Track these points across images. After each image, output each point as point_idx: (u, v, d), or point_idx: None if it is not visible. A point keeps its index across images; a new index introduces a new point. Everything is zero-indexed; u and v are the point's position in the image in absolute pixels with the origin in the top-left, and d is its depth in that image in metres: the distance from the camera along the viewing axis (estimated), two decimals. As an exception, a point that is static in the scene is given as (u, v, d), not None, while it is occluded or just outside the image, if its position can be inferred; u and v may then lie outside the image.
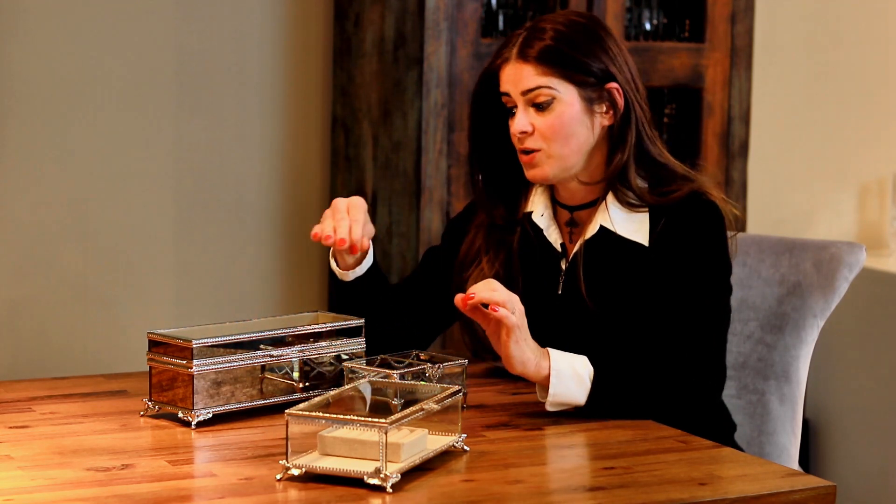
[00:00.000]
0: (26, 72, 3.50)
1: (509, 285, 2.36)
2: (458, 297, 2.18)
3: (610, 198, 2.41)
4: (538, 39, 2.39)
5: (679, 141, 3.80)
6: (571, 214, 2.46)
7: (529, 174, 2.41)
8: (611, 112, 2.42)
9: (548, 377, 2.20)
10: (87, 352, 3.58)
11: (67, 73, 3.54)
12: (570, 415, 2.25)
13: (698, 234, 2.37)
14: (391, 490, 1.85)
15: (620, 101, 2.41)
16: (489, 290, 2.17)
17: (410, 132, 3.44)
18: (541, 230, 2.46)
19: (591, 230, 2.41)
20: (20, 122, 3.50)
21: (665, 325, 2.32)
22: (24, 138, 3.51)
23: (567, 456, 2.05)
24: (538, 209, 2.48)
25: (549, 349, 2.22)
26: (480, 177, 2.50)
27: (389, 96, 3.52)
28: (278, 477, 1.90)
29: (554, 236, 2.46)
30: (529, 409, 2.29)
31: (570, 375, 2.21)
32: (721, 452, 2.08)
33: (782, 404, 2.64)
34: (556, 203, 2.49)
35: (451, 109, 3.40)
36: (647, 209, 2.39)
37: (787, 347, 2.65)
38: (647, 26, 3.74)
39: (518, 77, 2.38)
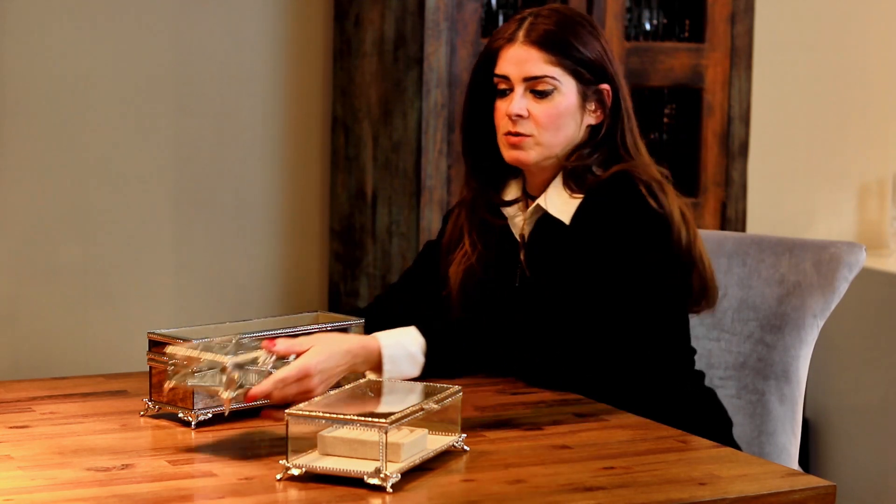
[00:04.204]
0: (26, 72, 3.49)
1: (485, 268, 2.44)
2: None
3: (558, 181, 2.42)
4: (545, 25, 2.39)
5: (679, 141, 3.80)
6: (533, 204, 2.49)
7: (511, 155, 2.42)
8: (598, 112, 2.43)
9: (380, 364, 2.17)
10: (87, 352, 3.58)
11: (67, 73, 3.54)
12: (570, 415, 2.25)
13: (608, 210, 2.35)
14: (391, 490, 1.85)
15: (609, 103, 2.43)
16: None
17: (410, 132, 3.44)
18: (506, 218, 2.49)
19: (531, 212, 2.44)
20: (20, 122, 3.50)
21: (557, 293, 2.30)
22: (24, 138, 3.51)
23: (567, 456, 2.05)
24: (510, 198, 2.50)
25: (377, 334, 2.17)
26: (473, 155, 2.50)
27: (389, 96, 3.52)
28: (278, 477, 1.90)
29: (519, 225, 2.48)
30: (529, 409, 2.29)
31: (402, 356, 2.17)
32: (721, 452, 2.08)
33: (782, 404, 2.64)
34: (526, 194, 2.50)
35: (451, 109, 3.41)
36: (583, 195, 2.40)
37: (787, 347, 2.65)
38: (647, 26, 3.74)
39: (523, 60, 2.39)
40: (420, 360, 2.18)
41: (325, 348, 2.09)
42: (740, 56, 3.76)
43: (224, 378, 2.00)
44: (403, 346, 2.17)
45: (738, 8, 3.74)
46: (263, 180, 3.74)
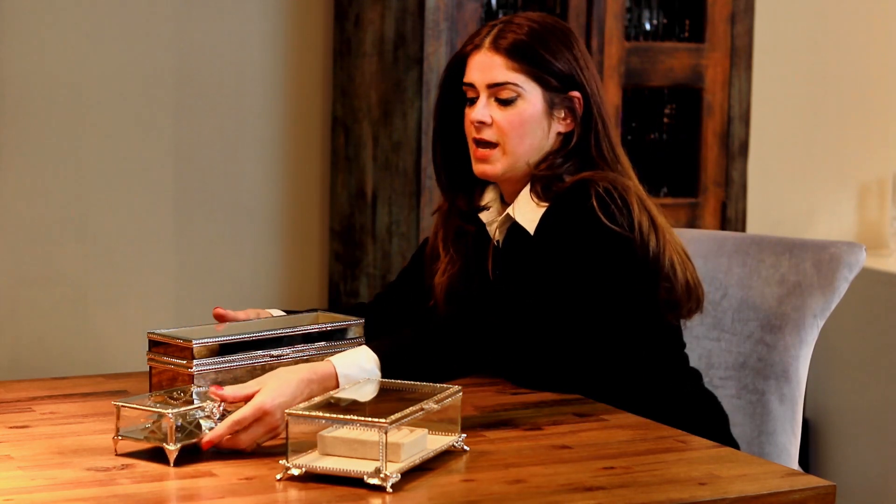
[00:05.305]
0: (26, 72, 3.49)
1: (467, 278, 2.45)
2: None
3: (526, 190, 2.41)
4: (513, 33, 2.39)
5: (679, 141, 3.81)
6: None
7: (478, 168, 2.42)
8: (569, 120, 2.42)
9: (337, 386, 2.12)
10: (87, 352, 3.58)
11: (68, 73, 3.54)
12: (570, 415, 2.25)
13: (559, 221, 2.33)
14: (391, 490, 1.85)
15: (579, 112, 2.41)
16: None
17: (410, 132, 3.44)
18: (483, 225, 2.49)
19: (502, 220, 2.43)
20: (20, 123, 3.50)
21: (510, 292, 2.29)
22: (24, 139, 3.51)
23: (567, 456, 2.05)
24: (485, 203, 2.50)
25: (329, 357, 2.14)
26: (443, 161, 2.50)
27: (389, 96, 3.52)
28: (278, 477, 1.90)
29: (496, 232, 2.48)
30: (529, 409, 2.29)
31: (358, 375, 2.13)
32: (720, 452, 2.08)
33: (782, 404, 2.64)
34: (502, 200, 2.50)
35: (451, 109, 3.40)
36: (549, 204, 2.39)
37: (787, 347, 2.65)
38: (647, 26, 3.74)
39: (488, 67, 2.38)
40: (377, 375, 2.14)
41: (277, 384, 2.05)
42: (740, 56, 3.77)
43: (167, 430, 1.96)
44: (359, 364, 2.13)
45: (738, 8, 3.74)
46: (263, 180, 3.74)
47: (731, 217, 3.78)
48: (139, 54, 3.59)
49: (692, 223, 3.74)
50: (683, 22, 3.77)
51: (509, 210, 2.42)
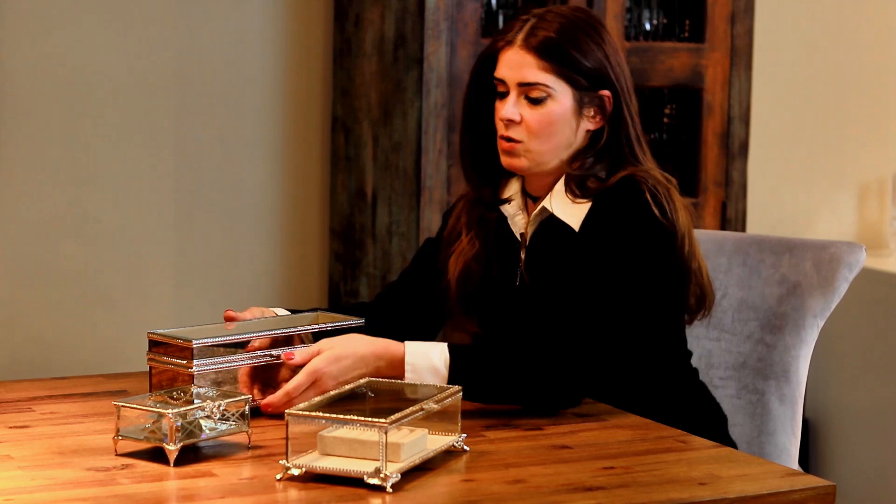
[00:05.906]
0: (27, 72, 3.50)
1: (484, 265, 2.47)
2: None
3: (560, 186, 2.41)
4: (544, 30, 2.38)
5: (679, 141, 3.81)
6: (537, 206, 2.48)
7: (506, 161, 2.42)
8: (598, 117, 2.42)
9: (402, 371, 2.22)
10: (87, 352, 3.58)
11: (68, 73, 3.54)
12: (570, 415, 2.25)
13: (614, 218, 2.34)
14: (391, 490, 1.85)
15: (609, 109, 2.41)
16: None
17: (410, 132, 3.44)
18: (505, 218, 2.48)
19: (535, 214, 2.43)
20: (20, 123, 3.50)
21: (566, 306, 2.30)
22: (24, 138, 3.51)
23: (567, 456, 2.05)
24: (509, 196, 2.50)
25: (407, 342, 2.23)
26: (470, 151, 2.50)
27: (389, 96, 3.52)
28: (278, 477, 1.90)
29: (520, 225, 2.47)
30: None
31: (425, 367, 2.21)
32: (720, 452, 2.08)
33: (782, 404, 2.64)
34: (525, 194, 2.50)
35: (451, 109, 3.41)
36: (589, 200, 2.39)
37: (787, 347, 2.65)
38: (647, 26, 3.74)
39: (519, 65, 2.38)
40: (443, 373, 2.20)
41: (339, 351, 2.18)
42: (740, 56, 3.77)
43: (167, 430, 1.96)
44: (428, 356, 2.21)
45: (738, 8, 3.75)
46: (263, 180, 3.74)
47: (731, 217, 3.79)
48: (139, 55, 3.59)
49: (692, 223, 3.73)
50: (683, 22, 3.77)
51: (545, 203, 2.41)
